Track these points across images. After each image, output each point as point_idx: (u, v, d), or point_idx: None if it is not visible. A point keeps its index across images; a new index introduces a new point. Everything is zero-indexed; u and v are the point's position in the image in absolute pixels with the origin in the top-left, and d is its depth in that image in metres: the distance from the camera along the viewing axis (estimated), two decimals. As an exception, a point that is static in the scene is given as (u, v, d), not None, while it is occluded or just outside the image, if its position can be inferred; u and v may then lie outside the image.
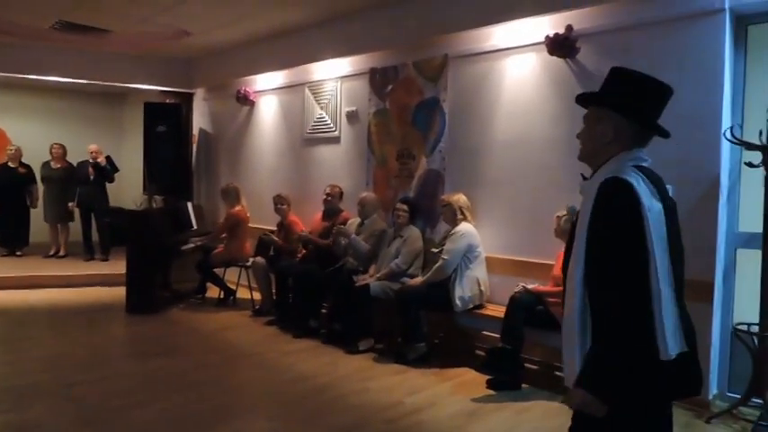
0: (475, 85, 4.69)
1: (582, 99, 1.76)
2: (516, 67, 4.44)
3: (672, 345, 1.49)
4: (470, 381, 3.99)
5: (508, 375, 3.83)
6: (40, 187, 8.07)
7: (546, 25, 4.14)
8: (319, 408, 3.54)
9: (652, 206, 1.52)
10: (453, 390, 3.89)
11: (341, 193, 5.60)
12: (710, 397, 3.54)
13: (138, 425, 3.24)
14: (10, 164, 7.97)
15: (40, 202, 8.11)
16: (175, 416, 3.36)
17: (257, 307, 5.89)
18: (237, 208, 6.14)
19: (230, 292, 6.34)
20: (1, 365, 4.13)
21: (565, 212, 3.85)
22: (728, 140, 3.44)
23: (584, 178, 1.70)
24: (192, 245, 6.27)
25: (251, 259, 5.96)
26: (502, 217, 4.55)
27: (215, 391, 3.78)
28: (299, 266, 5.40)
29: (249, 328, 5.40)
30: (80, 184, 7.79)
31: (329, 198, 5.53)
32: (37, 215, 8.12)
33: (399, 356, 4.41)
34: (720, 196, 3.51)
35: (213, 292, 6.44)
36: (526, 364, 4.01)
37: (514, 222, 4.45)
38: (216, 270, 6.27)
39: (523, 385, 3.89)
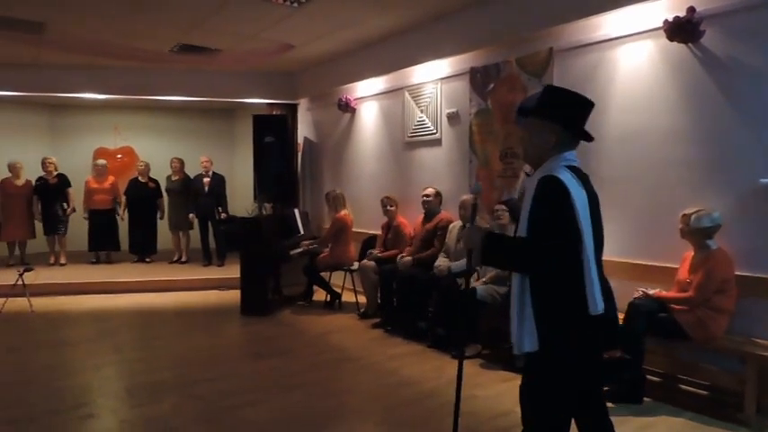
0: (584, 78, 4.43)
1: (523, 111, 2.12)
2: (630, 57, 4.14)
3: (599, 302, 1.89)
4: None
5: (627, 387, 3.56)
6: (165, 199, 8.76)
7: (662, 9, 3.81)
8: (426, 414, 3.50)
9: (579, 195, 1.89)
10: (567, 400, 3.68)
11: (438, 195, 5.55)
12: None
13: (250, 424, 3.38)
14: (140, 178, 8.73)
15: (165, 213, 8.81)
16: (284, 417, 3.47)
17: (362, 310, 5.98)
18: (342, 213, 6.27)
19: (336, 296, 6.48)
20: (136, 362, 4.53)
21: (692, 210, 3.51)
22: None
23: (528, 175, 2.04)
24: (299, 249, 6.50)
25: (356, 263, 6.06)
26: (617, 217, 4.23)
27: (322, 393, 3.87)
28: (403, 270, 5.41)
29: (355, 330, 5.48)
30: (197, 195, 8.37)
31: (427, 199, 5.51)
32: (162, 224, 8.84)
33: (508, 363, 4.26)
34: None
35: (320, 295, 6.62)
36: (648, 376, 3.72)
37: (631, 222, 4.13)
38: (322, 274, 6.45)
39: (645, 399, 3.60)
